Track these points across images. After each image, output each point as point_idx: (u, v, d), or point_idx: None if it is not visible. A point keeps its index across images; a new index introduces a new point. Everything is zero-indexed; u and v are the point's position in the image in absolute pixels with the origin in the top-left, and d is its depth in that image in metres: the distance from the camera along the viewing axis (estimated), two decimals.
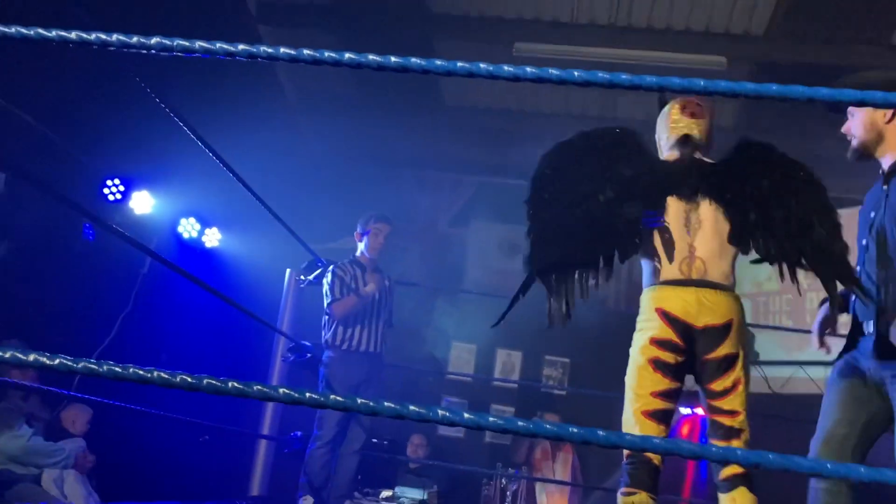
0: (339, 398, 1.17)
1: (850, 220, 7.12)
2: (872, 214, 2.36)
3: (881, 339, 2.19)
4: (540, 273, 2.47)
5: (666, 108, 2.76)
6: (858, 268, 2.40)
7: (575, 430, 1.12)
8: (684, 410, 6.89)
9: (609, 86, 1.29)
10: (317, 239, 7.02)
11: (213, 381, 1.14)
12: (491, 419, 1.15)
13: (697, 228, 2.48)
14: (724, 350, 2.38)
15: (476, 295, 6.97)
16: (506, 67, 1.29)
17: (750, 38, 6.35)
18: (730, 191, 2.48)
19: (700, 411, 6.85)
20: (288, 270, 5.40)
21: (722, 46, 6.34)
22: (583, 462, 6.51)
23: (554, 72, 1.27)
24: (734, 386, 2.40)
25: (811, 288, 6.95)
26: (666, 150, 2.69)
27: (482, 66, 1.27)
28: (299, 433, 4.75)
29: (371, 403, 1.16)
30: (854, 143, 2.41)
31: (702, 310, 2.38)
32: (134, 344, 4.42)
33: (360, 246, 4.58)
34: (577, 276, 2.48)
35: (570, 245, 2.45)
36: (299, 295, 5.28)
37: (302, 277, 4.91)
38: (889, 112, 2.28)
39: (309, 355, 4.54)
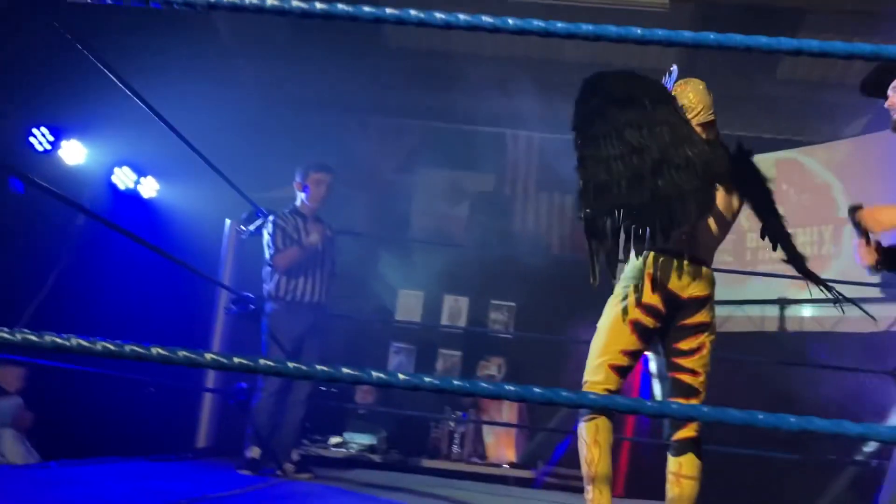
0: (269, 362, 1.15)
1: (788, 164, 7.25)
2: None
3: None
4: (592, 221, 2.37)
5: (683, 83, 2.93)
6: None
7: (511, 388, 1.12)
8: None
9: (544, 34, 1.26)
10: (258, 187, 6.87)
11: (137, 349, 1.10)
12: (427, 379, 1.14)
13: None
14: (699, 318, 2.59)
15: (422, 242, 6.96)
16: (461, 17, 1.25)
17: None
18: (748, 184, 2.70)
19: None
20: (228, 220, 5.28)
21: None
22: (529, 404, 6.64)
23: (486, 19, 1.23)
24: (699, 348, 2.58)
25: (751, 229, 7.14)
26: (694, 123, 2.71)
27: (437, 15, 1.23)
28: (244, 384, 4.72)
29: (304, 367, 1.13)
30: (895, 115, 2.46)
31: (691, 283, 2.55)
32: (70, 300, 4.30)
33: (301, 196, 4.49)
34: (631, 238, 2.39)
35: (627, 198, 2.35)
36: (240, 245, 5.19)
37: (242, 228, 4.81)
38: None
39: (252, 307, 4.48)
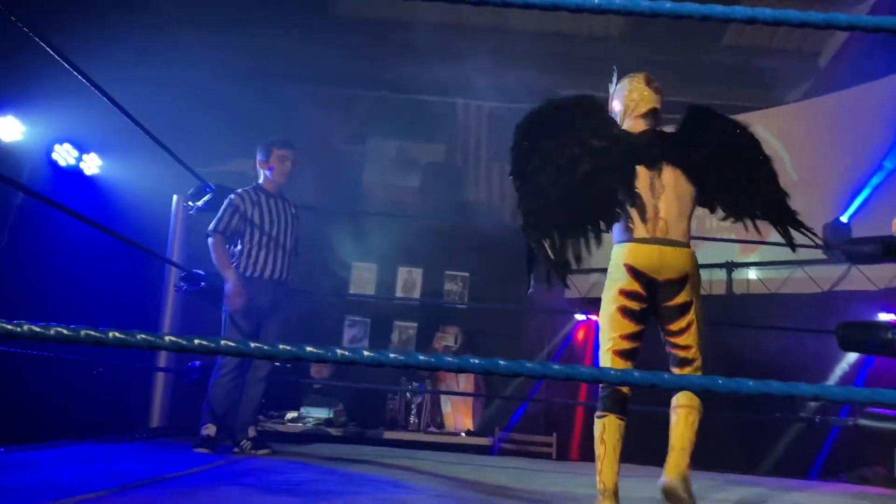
0: (230, 343, 1.13)
1: (757, 121, 7.30)
2: None
3: None
4: (537, 244, 2.72)
5: (626, 82, 3.11)
6: None
7: (476, 360, 1.12)
8: (579, 317, 7.14)
9: (502, 5, 1.24)
10: (207, 162, 6.73)
11: (93, 332, 1.06)
12: (392, 355, 1.13)
13: (661, 192, 2.80)
14: (680, 299, 2.76)
15: (375, 214, 6.92)
16: None
17: None
18: (690, 158, 2.83)
19: (594, 317, 7.11)
20: (175, 197, 5.16)
21: None
22: None
23: None
24: (688, 326, 2.77)
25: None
26: (629, 120, 2.99)
27: None
28: (197, 362, 4.66)
29: (265, 347, 1.11)
30: None
31: (663, 265, 2.74)
32: (11, 282, 4.17)
33: (265, 173, 4.40)
34: (569, 245, 2.71)
35: (561, 217, 2.67)
36: (189, 222, 5.08)
37: (190, 203, 4.71)
38: None
39: (203, 284, 4.40)
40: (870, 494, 4.09)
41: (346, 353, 1.11)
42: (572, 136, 2.72)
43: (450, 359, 1.13)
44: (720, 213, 2.91)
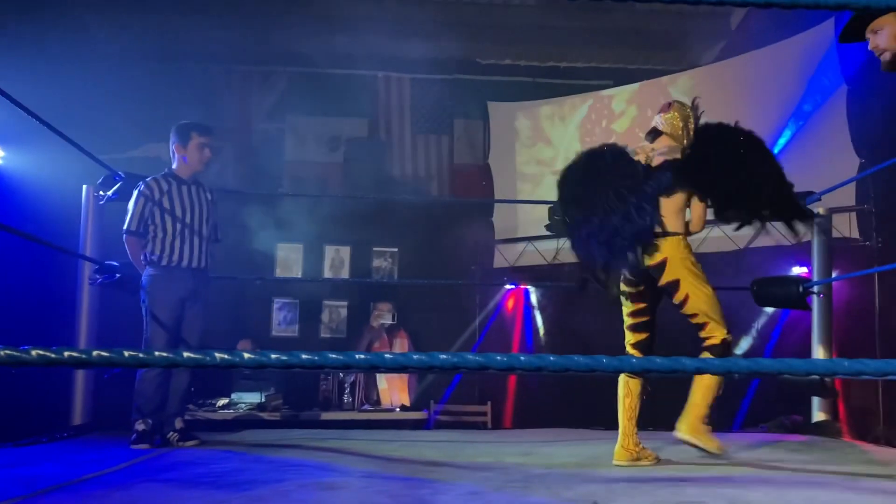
0: (163, 354, 1.08)
1: (653, 93, 7.42)
2: None
3: None
4: (594, 278, 3.36)
5: (672, 114, 3.54)
6: None
7: (444, 356, 1.09)
8: (508, 287, 7.20)
9: None
10: (118, 147, 6.51)
11: (13, 353, 1.00)
12: (332, 356, 1.10)
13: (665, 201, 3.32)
14: (667, 278, 3.26)
15: (297, 195, 6.81)
16: None
17: None
18: (699, 182, 3.29)
19: (523, 286, 7.19)
20: (85, 187, 4.96)
21: None
22: (417, 345, 6.71)
23: None
24: (685, 299, 3.24)
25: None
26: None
27: None
28: None
29: (197, 356, 1.07)
30: (886, 56, 2.57)
31: (647, 256, 3.27)
32: None
33: (180, 159, 4.24)
34: (620, 274, 3.36)
35: (609, 253, 3.21)
36: (101, 212, 4.90)
37: (101, 193, 4.53)
38: None
39: (118, 275, 4.26)
40: (789, 442, 4.26)
41: (283, 357, 1.08)
42: (609, 183, 3.24)
43: (416, 357, 1.11)
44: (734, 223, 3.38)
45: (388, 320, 6.72)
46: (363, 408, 6.22)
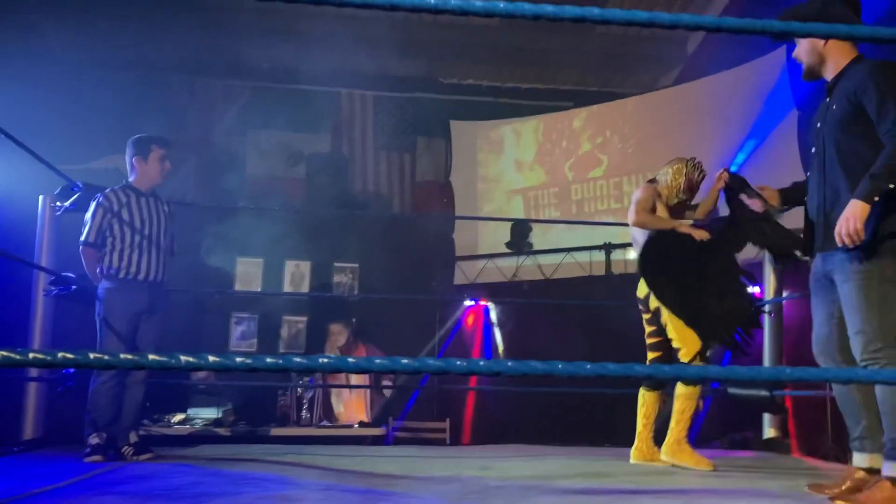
0: (128, 356, 1.09)
1: (608, 115, 7.54)
2: (819, 125, 2.66)
3: (821, 233, 2.60)
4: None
5: (667, 173, 3.91)
6: (809, 173, 2.74)
7: (406, 360, 1.12)
8: (468, 303, 7.25)
9: (338, 5, 1.24)
10: (77, 158, 6.42)
11: None
12: (297, 360, 1.12)
13: None
14: (651, 307, 3.78)
15: (259, 208, 6.78)
16: None
17: None
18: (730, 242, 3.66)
19: (483, 302, 7.24)
20: (41, 197, 4.90)
21: None
22: None
23: None
24: (665, 325, 3.72)
25: (574, 180, 7.42)
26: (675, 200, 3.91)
27: None
28: (71, 370, 4.44)
29: (162, 358, 1.08)
30: (803, 67, 2.70)
31: (638, 288, 3.86)
32: None
33: (138, 171, 4.21)
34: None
35: (711, 322, 3.65)
36: (58, 223, 4.83)
37: (58, 204, 4.47)
38: (823, 43, 2.60)
39: (74, 287, 4.20)
40: (740, 457, 4.36)
41: (247, 360, 1.10)
42: (684, 260, 3.66)
43: (406, 361, 1.13)
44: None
45: (342, 342, 6.69)
46: (321, 424, 6.19)
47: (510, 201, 7.75)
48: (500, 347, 7.29)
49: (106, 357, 1.13)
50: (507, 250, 7.33)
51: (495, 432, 6.19)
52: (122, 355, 1.16)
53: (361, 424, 6.26)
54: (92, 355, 1.12)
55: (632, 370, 1.19)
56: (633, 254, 6.82)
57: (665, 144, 6.91)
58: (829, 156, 2.59)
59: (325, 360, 1.16)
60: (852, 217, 2.36)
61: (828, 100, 2.63)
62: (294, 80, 8.09)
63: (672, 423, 3.67)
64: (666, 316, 3.67)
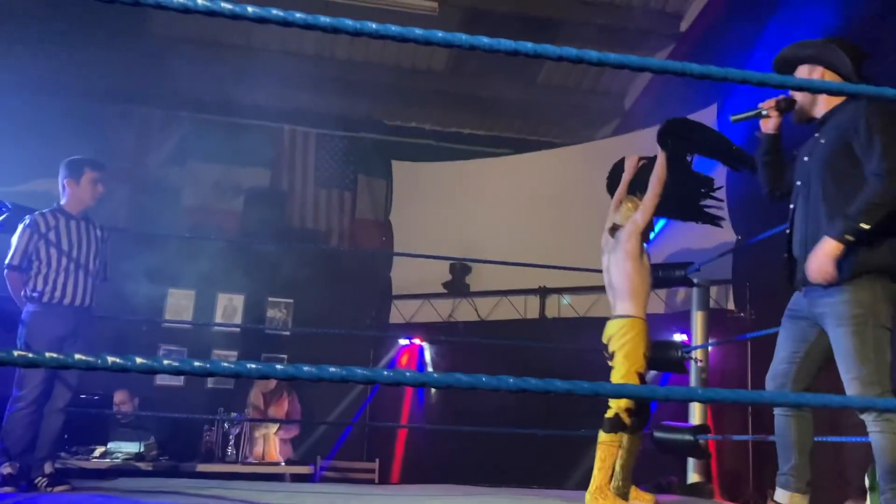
0: (55, 356, 1.06)
1: (548, 163, 7.69)
2: (806, 158, 2.67)
3: (802, 266, 2.53)
4: None
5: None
6: (792, 206, 2.71)
7: (333, 369, 1.13)
8: (403, 342, 7.23)
9: (332, 30, 1.27)
10: (5, 181, 6.25)
11: None
12: (224, 364, 1.12)
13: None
14: (611, 348, 3.65)
15: (194, 238, 6.68)
16: (199, 1, 1.22)
17: None
18: None
19: (417, 341, 7.23)
20: None
21: None
22: (304, 403, 6.61)
23: (254, 10, 1.22)
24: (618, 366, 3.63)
25: (513, 224, 7.47)
26: None
27: (200, 1, 1.19)
28: None
29: (118, 360, 1.06)
30: (795, 107, 2.73)
31: (605, 331, 3.73)
32: None
33: (70, 194, 4.12)
34: None
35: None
36: None
37: None
38: (819, 76, 2.64)
39: None
40: (664, 502, 4.42)
41: (174, 363, 1.09)
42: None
43: (333, 369, 1.13)
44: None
45: (271, 385, 6.53)
46: (247, 461, 6.05)
47: (449, 242, 7.82)
48: (433, 388, 7.28)
49: (30, 356, 1.11)
50: (444, 290, 7.37)
51: (425, 472, 6.15)
52: (47, 354, 1.13)
53: (288, 462, 6.14)
54: (16, 353, 1.10)
55: (552, 385, 1.23)
56: (567, 298, 6.97)
57: (601, 192, 7.08)
58: (813, 190, 2.58)
59: (253, 366, 1.17)
60: (822, 256, 2.38)
61: (817, 135, 2.65)
62: (236, 113, 8.06)
63: (595, 472, 3.62)
64: (617, 359, 3.63)
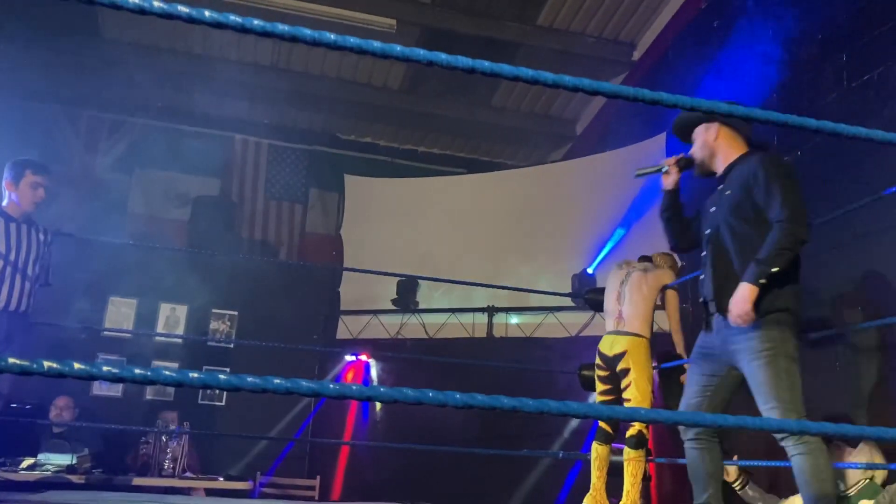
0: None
1: (499, 184, 7.73)
2: (713, 209, 2.80)
3: (716, 309, 2.69)
4: None
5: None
6: (704, 253, 2.85)
7: (278, 381, 1.11)
8: (349, 358, 7.18)
9: (291, 39, 1.26)
10: None
11: None
12: (166, 373, 1.09)
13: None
14: (622, 366, 3.94)
15: (137, 246, 6.54)
16: (155, 3, 1.20)
17: (418, 4, 6.67)
18: None
19: (364, 358, 7.19)
20: None
21: (392, 9, 6.58)
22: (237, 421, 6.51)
23: (211, 14, 1.21)
24: (629, 384, 3.92)
25: (463, 242, 7.48)
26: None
27: (155, 3, 1.16)
28: None
29: (22, 362, 1.02)
30: (696, 163, 2.88)
31: (613, 345, 4.00)
32: None
33: (10, 195, 3.99)
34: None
35: None
36: None
37: None
38: (715, 133, 2.81)
39: None
40: None
41: (141, 371, 1.05)
42: None
43: (278, 381, 1.11)
44: None
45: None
46: (185, 475, 5.90)
47: (399, 258, 7.81)
48: (378, 406, 7.22)
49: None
50: (393, 307, 7.35)
51: (367, 490, 6.09)
52: (11, 360, 1.09)
53: (228, 477, 6.02)
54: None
55: (498, 402, 1.22)
56: (514, 318, 7.00)
57: (550, 215, 7.18)
58: (722, 236, 2.75)
59: (195, 375, 1.14)
60: (742, 300, 2.53)
61: (721, 187, 2.81)
62: (187, 120, 7.96)
63: (627, 487, 3.87)
64: (633, 376, 3.90)
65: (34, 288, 4.04)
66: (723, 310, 2.64)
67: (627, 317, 4.03)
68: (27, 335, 4.04)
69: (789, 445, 2.49)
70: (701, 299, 2.84)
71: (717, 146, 2.82)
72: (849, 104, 4.31)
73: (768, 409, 2.52)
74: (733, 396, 2.76)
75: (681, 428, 2.85)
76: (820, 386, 4.35)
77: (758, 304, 2.53)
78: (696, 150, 2.88)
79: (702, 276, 2.85)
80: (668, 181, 3.02)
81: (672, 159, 3.01)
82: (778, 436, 2.51)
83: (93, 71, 7.09)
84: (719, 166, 2.84)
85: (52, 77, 7.11)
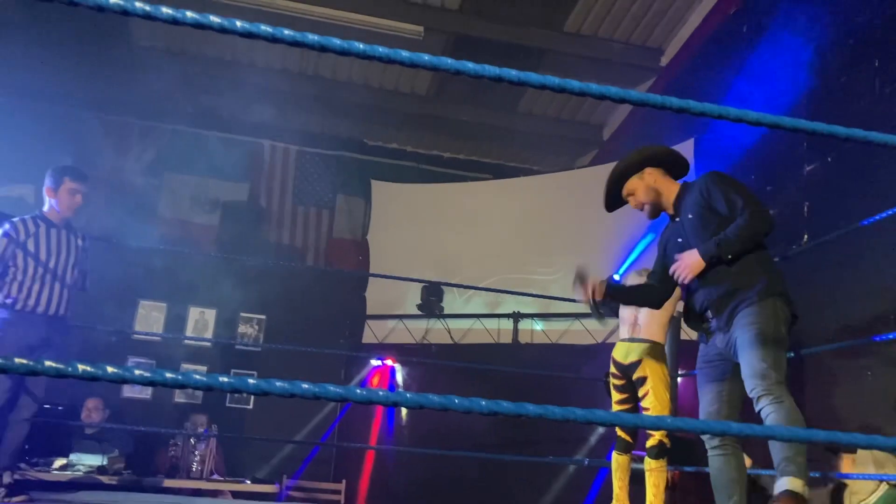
0: (23, 362, 1.05)
1: (525, 189, 7.74)
2: (680, 239, 2.85)
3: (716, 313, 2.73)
4: None
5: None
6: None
7: (306, 386, 1.13)
8: (375, 363, 7.21)
9: (320, 49, 1.28)
10: None
11: None
12: (196, 377, 1.11)
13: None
14: (638, 373, 3.92)
15: (167, 250, 6.63)
16: (188, 14, 1.23)
17: (445, 11, 6.69)
18: None
19: (389, 362, 7.21)
20: None
21: (419, 16, 6.61)
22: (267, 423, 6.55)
23: (242, 24, 1.23)
24: (647, 393, 3.89)
25: (489, 247, 7.48)
26: None
27: (189, 14, 1.19)
28: None
29: (58, 365, 1.05)
30: (646, 209, 2.94)
31: (628, 353, 3.97)
32: None
33: (51, 202, 4.07)
34: None
35: None
36: None
37: None
38: (652, 176, 2.89)
39: None
40: None
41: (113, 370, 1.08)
42: None
43: (306, 386, 1.13)
44: None
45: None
46: (212, 477, 5.97)
47: (424, 263, 7.84)
48: (404, 411, 7.24)
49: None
50: (419, 312, 7.37)
51: (392, 494, 6.11)
52: (16, 360, 1.12)
53: (254, 480, 6.07)
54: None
55: (524, 409, 1.23)
56: (540, 325, 6.99)
57: (576, 221, 7.16)
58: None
59: (225, 379, 1.16)
60: (688, 267, 2.68)
61: (678, 219, 2.86)
62: (216, 126, 8.05)
63: (650, 497, 3.85)
64: (651, 384, 3.88)
65: (72, 293, 4.11)
66: (722, 310, 2.67)
67: (643, 323, 4.03)
68: (65, 339, 4.11)
69: (766, 405, 2.51)
70: (696, 313, 2.82)
71: (659, 186, 2.90)
72: (880, 111, 4.26)
73: (749, 376, 2.55)
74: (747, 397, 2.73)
75: (704, 437, 2.83)
76: (852, 395, 4.30)
77: (753, 290, 2.61)
78: (641, 197, 2.92)
79: (694, 293, 2.82)
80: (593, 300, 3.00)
81: (586, 297, 2.96)
82: (752, 394, 2.54)
83: (124, 77, 7.21)
84: (667, 203, 2.91)
85: (84, 83, 7.23)
